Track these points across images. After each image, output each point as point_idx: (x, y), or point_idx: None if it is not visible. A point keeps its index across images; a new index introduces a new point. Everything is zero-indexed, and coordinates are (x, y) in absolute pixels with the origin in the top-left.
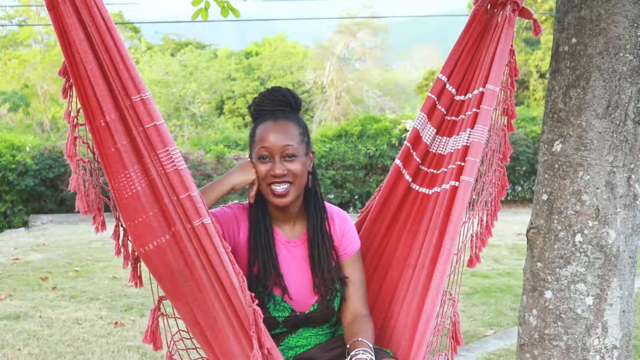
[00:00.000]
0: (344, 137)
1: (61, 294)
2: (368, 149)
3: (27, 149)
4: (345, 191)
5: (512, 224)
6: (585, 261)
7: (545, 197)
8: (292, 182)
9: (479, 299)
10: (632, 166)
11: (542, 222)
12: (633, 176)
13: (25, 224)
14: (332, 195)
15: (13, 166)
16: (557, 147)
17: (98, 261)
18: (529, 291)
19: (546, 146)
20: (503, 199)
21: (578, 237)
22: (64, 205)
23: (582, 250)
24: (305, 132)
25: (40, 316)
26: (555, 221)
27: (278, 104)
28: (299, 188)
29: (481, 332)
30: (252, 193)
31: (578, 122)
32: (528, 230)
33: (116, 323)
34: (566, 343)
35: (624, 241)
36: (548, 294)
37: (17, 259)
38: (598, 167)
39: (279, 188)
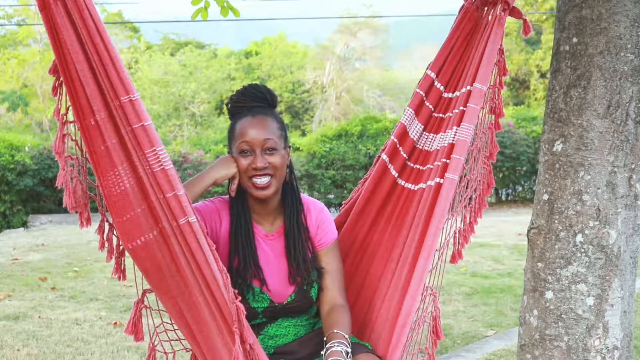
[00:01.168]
0: (344, 137)
1: (60, 294)
2: (368, 149)
3: (26, 148)
4: (345, 191)
5: (513, 224)
6: (586, 261)
7: (546, 197)
8: (273, 175)
9: (480, 299)
10: (633, 166)
11: (543, 222)
12: (634, 176)
13: (24, 224)
14: (332, 195)
15: (12, 166)
16: (558, 147)
17: (97, 261)
18: (530, 291)
19: (547, 146)
20: (504, 199)
21: (579, 238)
22: (63, 205)
23: (583, 250)
24: (282, 127)
25: (39, 316)
26: (556, 221)
27: (255, 100)
28: (279, 181)
29: (482, 332)
30: (233, 187)
31: (579, 121)
32: (529, 231)
33: (115, 323)
34: (567, 343)
35: (625, 241)
36: (549, 295)
37: (16, 259)
38: (599, 167)
39: (260, 181)
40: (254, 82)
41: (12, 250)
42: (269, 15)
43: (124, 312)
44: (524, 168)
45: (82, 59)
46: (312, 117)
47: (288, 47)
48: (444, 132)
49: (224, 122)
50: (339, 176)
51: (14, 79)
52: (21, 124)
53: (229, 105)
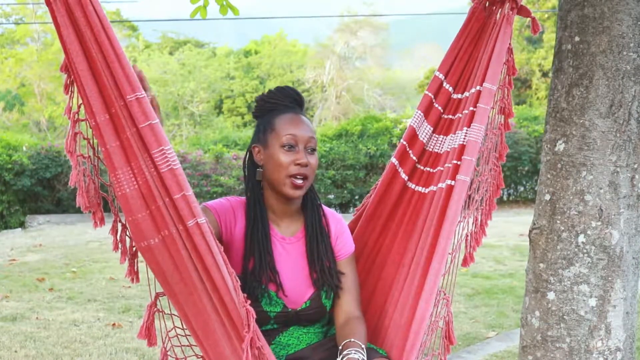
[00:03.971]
0: (345, 137)
1: (58, 295)
2: (369, 149)
3: (24, 148)
4: (345, 191)
5: (514, 225)
6: (589, 262)
7: (547, 197)
8: (308, 178)
9: (481, 301)
10: (635, 166)
11: (545, 222)
12: (637, 176)
13: (21, 225)
14: (332, 196)
15: (9, 166)
16: (560, 146)
17: (95, 262)
18: (532, 292)
19: (549, 146)
20: (505, 199)
21: (581, 238)
22: (61, 206)
23: (585, 251)
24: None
25: (37, 318)
26: (558, 222)
27: (292, 101)
28: (310, 184)
29: (483, 333)
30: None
31: (581, 121)
32: (530, 231)
33: (114, 325)
34: (569, 345)
35: (627, 242)
36: (551, 295)
37: (14, 259)
38: (601, 167)
39: (299, 180)
40: (286, 85)
41: (9, 251)
42: (269, 13)
43: (122, 313)
44: (526, 168)
45: (81, 59)
46: (312, 116)
47: (288, 46)
48: (454, 134)
49: (222, 121)
50: (339, 176)
51: (12, 78)
52: (19, 124)
53: (262, 102)
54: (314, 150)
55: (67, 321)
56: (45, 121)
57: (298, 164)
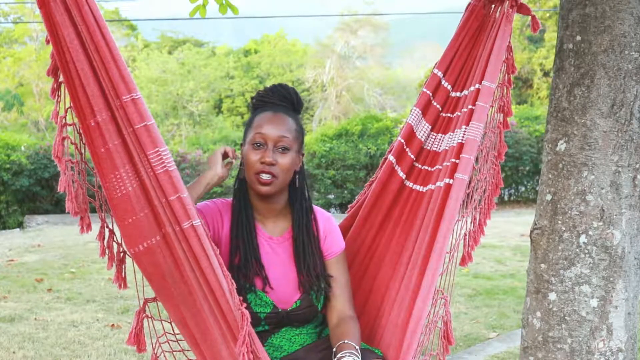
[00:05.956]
0: (345, 137)
1: (57, 295)
2: (369, 149)
3: (22, 148)
4: (345, 191)
5: (516, 225)
6: (590, 262)
7: (549, 197)
8: (276, 176)
9: (482, 301)
10: (637, 166)
11: (546, 222)
12: (638, 176)
13: (20, 225)
14: (333, 196)
15: (8, 166)
16: (561, 146)
17: (94, 262)
18: (533, 293)
19: (550, 145)
20: (506, 199)
21: (582, 238)
22: (60, 206)
23: (586, 251)
24: (301, 132)
25: (35, 318)
26: (560, 222)
27: (281, 100)
28: (282, 183)
29: (484, 334)
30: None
31: (582, 121)
32: (532, 231)
33: (113, 325)
34: (570, 346)
35: (629, 242)
36: (552, 296)
37: (12, 260)
38: (603, 166)
39: (265, 176)
40: (284, 83)
41: (7, 251)
42: (268, 12)
43: (121, 314)
44: (527, 168)
45: (82, 57)
46: (312, 116)
47: (288, 45)
48: (453, 132)
49: (222, 121)
50: (339, 176)
51: (10, 77)
52: (17, 123)
53: (254, 99)
54: (286, 149)
55: (65, 322)
56: (44, 121)
57: (263, 162)
